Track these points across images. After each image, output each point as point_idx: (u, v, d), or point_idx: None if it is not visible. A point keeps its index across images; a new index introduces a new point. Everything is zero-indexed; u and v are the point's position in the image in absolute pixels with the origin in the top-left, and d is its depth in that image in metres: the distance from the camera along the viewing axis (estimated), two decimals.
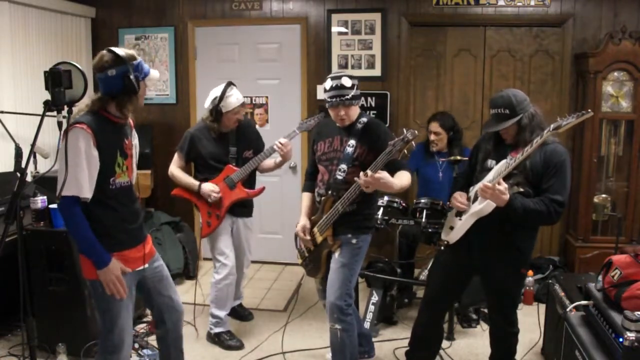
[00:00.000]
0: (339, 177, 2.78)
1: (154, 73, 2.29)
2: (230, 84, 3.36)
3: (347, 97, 2.71)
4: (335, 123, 2.87)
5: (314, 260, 2.96)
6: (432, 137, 3.98)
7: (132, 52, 2.23)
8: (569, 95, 4.49)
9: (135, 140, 2.43)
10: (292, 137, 3.38)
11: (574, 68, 4.45)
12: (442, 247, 2.73)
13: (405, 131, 2.53)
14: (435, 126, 3.97)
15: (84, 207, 2.18)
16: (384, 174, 2.54)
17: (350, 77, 2.75)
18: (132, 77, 2.15)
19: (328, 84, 2.75)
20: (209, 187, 3.35)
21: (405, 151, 2.56)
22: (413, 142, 2.53)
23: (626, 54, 4.06)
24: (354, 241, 2.81)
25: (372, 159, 2.63)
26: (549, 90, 4.57)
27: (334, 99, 2.73)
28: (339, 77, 2.73)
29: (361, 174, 2.56)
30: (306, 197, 3.04)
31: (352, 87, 2.73)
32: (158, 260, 2.52)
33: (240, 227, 3.59)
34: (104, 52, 2.19)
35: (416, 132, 2.53)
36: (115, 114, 2.24)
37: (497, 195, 2.34)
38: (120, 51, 2.18)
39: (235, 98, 3.33)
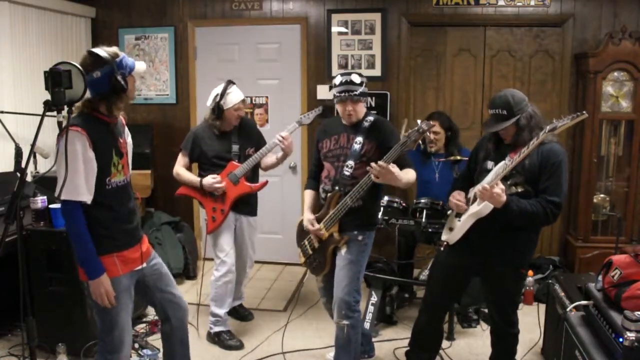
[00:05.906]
0: (346, 173, 2.81)
1: (139, 66, 2.27)
2: (230, 82, 3.41)
3: (355, 92, 2.79)
4: (340, 121, 2.91)
5: (319, 257, 2.96)
6: (432, 136, 3.96)
7: (113, 49, 2.21)
8: (569, 95, 4.49)
9: (128, 138, 2.44)
10: (292, 130, 3.41)
11: (574, 68, 4.45)
12: (442, 248, 2.73)
13: (419, 122, 2.60)
14: (434, 126, 3.95)
15: (84, 210, 2.18)
16: (395, 168, 2.57)
17: (360, 74, 2.85)
18: (118, 76, 2.15)
19: (338, 79, 2.83)
20: (210, 180, 3.36)
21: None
22: (429, 133, 2.66)
23: (626, 54, 4.06)
24: (360, 238, 2.84)
25: (380, 156, 2.66)
26: (549, 91, 4.56)
27: (342, 94, 2.80)
28: (349, 74, 2.83)
29: (373, 164, 2.58)
30: (309, 194, 3.06)
31: (360, 84, 2.82)
32: (155, 258, 2.52)
33: (244, 225, 3.60)
34: (85, 54, 2.17)
35: (431, 122, 2.66)
36: (106, 114, 2.24)
37: (495, 197, 2.35)
38: (102, 51, 2.17)
39: (235, 95, 3.38)
